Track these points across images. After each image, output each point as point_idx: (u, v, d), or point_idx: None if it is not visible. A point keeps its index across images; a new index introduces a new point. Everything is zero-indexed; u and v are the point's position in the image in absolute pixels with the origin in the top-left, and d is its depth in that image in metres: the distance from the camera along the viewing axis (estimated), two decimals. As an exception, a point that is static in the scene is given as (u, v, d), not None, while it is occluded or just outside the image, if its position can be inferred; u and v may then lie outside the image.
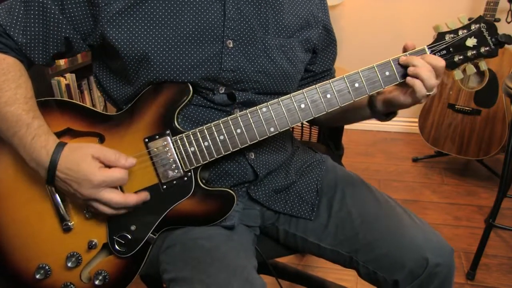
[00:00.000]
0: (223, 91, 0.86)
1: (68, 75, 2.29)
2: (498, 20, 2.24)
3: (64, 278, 0.85)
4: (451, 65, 0.84)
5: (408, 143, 2.90)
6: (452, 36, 0.83)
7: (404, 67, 0.82)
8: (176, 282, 0.80)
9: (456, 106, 2.37)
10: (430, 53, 0.83)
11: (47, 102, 0.84)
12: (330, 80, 0.82)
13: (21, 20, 0.79)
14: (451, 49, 0.84)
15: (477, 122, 2.32)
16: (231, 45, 0.84)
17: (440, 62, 0.81)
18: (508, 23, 2.37)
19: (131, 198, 0.79)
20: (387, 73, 0.83)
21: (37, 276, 0.83)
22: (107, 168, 0.77)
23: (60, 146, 0.77)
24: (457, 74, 0.86)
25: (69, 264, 0.83)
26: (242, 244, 0.89)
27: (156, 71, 0.81)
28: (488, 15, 2.23)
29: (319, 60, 1.03)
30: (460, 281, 1.69)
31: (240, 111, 0.85)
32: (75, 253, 0.84)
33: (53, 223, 0.83)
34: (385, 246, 0.88)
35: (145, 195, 0.82)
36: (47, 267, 0.84)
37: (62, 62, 2.28)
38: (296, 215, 0.98)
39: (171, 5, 0.80)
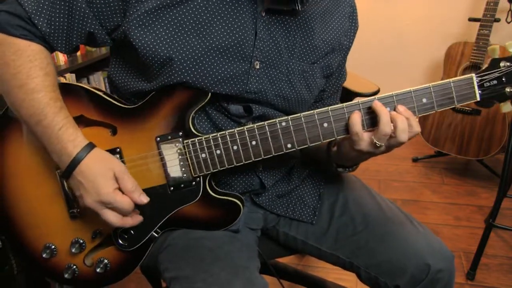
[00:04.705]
0: (237, 103, 0.85)
1: (68, 75, 2.28)
2: (498, 20, 2.25)
3: (69, 259, 0.87)
4: (500, 97, 0.76)
5: (408, 143, 2.87)
6: (508, 64, 0.74)
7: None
8: (178, 280, 0.80)
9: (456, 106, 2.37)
10: (478, 82, 0.76)
11: (65, 86, 0.83)
12: (360, 101, 0.77)
13: (47, 9, 0.77)
14: (503, 79, 0.75)
15: (477, 122, 2.32)
16: (258, 67, 0.82)
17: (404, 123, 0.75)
18: (508, 23, 2.37)
19: (128, 222, 0.80)
20: (424, 100, 0.77)
21: (44, 255, 0.85)
22: (120, 193, 0.77)
23: (89, 147, 0.77)
24: (505, 107, 0.77)
25: (73, 250, 0.85)
26: (245, 245, 0.89)
27: (178, 79, 0.79)
28: (488, 15, 2.23)
29: (331, 80, 0.99)
30: (460, 281, 1.69)
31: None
32: (79, 240, 0.85)
33: (61, 208, 0.85)
34: (387, 252, 0.88)
35: (140, 220, 0.82)
36: (53, 247, 0.86)
37: (62, 62, 2.28)
38: (297, 219, 0.98)
39: (203, 14, 0.77)
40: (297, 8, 0.80)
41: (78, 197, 0.78)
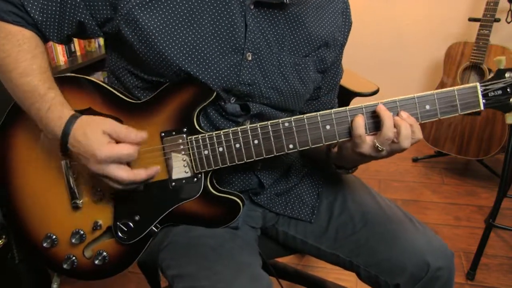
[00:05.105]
0: (233, 101, 0.85)
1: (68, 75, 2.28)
2: (498, 20, 2.25)
3: (69, 250, 0.88)
4: (505, 108, 0.76)
5: (408, 143, 2.90)
6: None
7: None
8: (181, 278, 0.80)
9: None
10: (482, 91, 0.76)
11: (74, 79, 0.85)
12: (363, 105, 0.78)
13: None
14: (508, 90, 0.75)
15: (477, 122, 2.32)
16: (250, 58, 0.82)
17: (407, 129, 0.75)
18: (508, 23, 2.37)
19: (140, 175, 0.78)
20: (427, 107, 0.78)
21: (44, 244, 0.86)
22: (115, 144, 0.76)
23: (74, 118, 0.77)
24: (510, 117, 0.77)
25: (73, 240, 0.86)
26: (246, 242, 0.90)
27: (175, 70, 0.79)
28: (488, 15, 2.23)
29: (327, 76, 0.99)
30: (460, 281, 1.69)
31: (250, 124, 0.84)
32: (79, 231, 0.86)
33: (63, 198, 0.86)
34: (387, 251, 0.89)
35: (155, 170, 0.80)
36: (54, 237, 0.87)
37: (62, 62, 2.28)
38: (296, 217, 0.98)
39: (194, 6, 0.78)
40: (285, 1, 0.80)
41: (85, 166, 0.77)
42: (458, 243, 1.92)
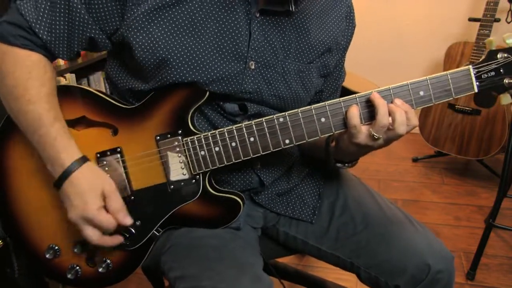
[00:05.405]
0: (233, 101, 0.85)
1: (68, 75, 2.28)
2: (498, 20, 2.25)
3: (72, 260, 0.88)
4: (499, 89, 0.75)
5: (408, 143, 2.90)
6: (505, 55, 0.73)
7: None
8: (184, 279, 0.80)
9: (456, 106, 2.37)
10: (475, 74, 0.75)
11: (68, 88, 0.85)
12: (356, 95, 0.77)
13: (47, 17, 0.78)
14: (501, 71, 0.74)
15: (477, 122, 2.32)
16: (253, 67, 0.82)
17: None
18: (508, 23, 2.37)
19: (106, 241, 0.80)
20: (421, 93, 0.77)
21: (47, 256, 0.86)
22: (104, 212, 0.77)
23: (82, 160, 0.77)
24: (505, 98, 0.75)
25: (75, 250, 0.86)
26: (248, 243, 0.90)
27: (174, 79, 0.79)
28: (488, 15, 2.23)
29: (329, 80, 0.99)
30: (460, 281, 1.69)
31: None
32: (81, 240, 0.85)
33: (64, 208, 0.84)
34: (387, 252, 0.89)
35: (120, 240, 0.82)
36: (56, 248, 0.87)
37: (62, 62, 2.28)
38: (297, 218, 0.98)
39: (198, 15, 0.78)
40: (291, 9, 0.80)
41: (64, 207, 0.79)
42: (458, 243, 1.92)
